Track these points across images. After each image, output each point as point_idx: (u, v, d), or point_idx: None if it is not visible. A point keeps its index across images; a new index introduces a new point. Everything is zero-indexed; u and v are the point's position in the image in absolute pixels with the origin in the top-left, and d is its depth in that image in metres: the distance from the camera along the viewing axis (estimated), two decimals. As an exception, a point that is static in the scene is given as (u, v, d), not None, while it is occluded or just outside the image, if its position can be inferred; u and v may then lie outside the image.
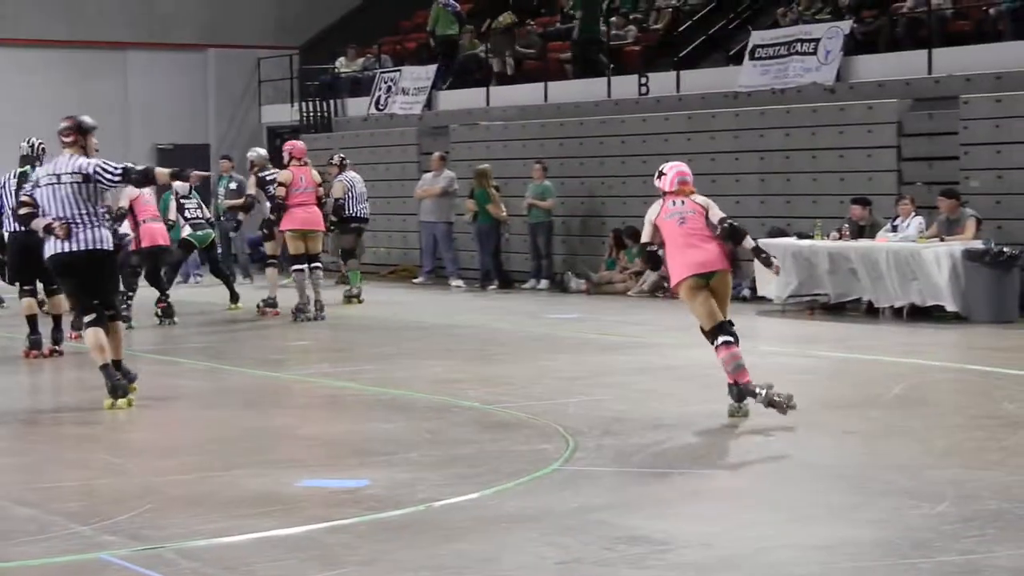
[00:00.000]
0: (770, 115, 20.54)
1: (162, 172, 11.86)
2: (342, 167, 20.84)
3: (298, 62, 30.47)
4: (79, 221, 11.26)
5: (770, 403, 10.21)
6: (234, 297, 19.54)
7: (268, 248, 19.41)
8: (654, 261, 11.16)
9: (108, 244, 11.44)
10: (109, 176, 11.31)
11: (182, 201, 19.15)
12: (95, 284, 11.41)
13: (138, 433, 10.68)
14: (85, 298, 11.47)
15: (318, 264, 18.13)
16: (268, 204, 19.14)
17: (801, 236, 18.42)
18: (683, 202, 10.68)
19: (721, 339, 10.38)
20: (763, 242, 17.87)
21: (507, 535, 7.21)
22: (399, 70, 27.52)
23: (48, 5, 29.70)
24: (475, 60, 26.57)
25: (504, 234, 22.72)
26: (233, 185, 24.24)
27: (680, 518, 7.56)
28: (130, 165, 11.62)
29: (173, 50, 30.96)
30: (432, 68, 26.78)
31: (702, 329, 10.59)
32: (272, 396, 12.46)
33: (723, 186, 20.31)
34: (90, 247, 11.28)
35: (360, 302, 20.11)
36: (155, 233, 17.00)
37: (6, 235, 14.98)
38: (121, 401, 11.17)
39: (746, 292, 19.03)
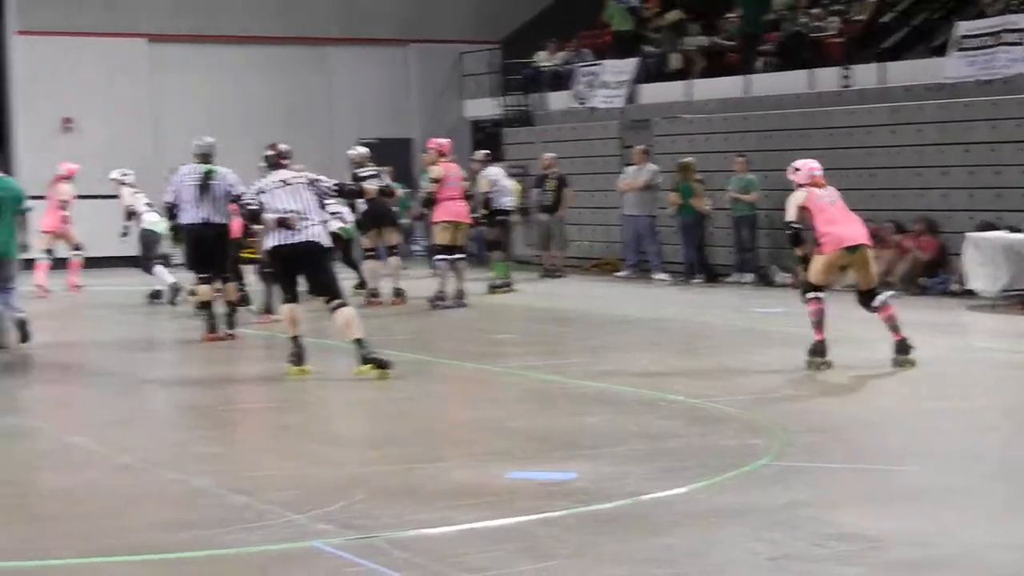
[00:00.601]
0: (976, 107, 20.10)
1: (370, 189, 14.77)
2: (485, 163, 21.38)
3: (499, 56, 30.62)
4: (306, 217, 12.73)
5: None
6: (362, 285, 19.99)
7: (365, 242, 19.55)
8: (797, 239, 12.94)
9: (324, 240, 12.89)
10: (327, 187, 13.14)
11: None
12: (310, 273, 12.83)
13: (347, 424, 10.84)
14: (291, 285, 12.96)
15: (463, 255, 18.95)
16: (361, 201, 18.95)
17: (1013, 230, 18.01)
18: (825, 189, 12.82)
19: (815, 295, 12.60)
20: (974, 236, 17.58)
21: (716, 530, 7.16)
22: (600, 63, 27.51)
23: (254, 3, 30.25)
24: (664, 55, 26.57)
25: (708, 227, 22.61)
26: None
27: (891, 515, 7.43)
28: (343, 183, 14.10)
29: (376, 45, 31.31)
30: (632, 62, 26.73)
31: (807, 283, 12.74)
32: (479, 388, 12.54)
33: (929, 179, 19.95)
34: (309, 240, 12.68)
35: (511, 291, 20.81)
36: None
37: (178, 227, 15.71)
38: (365, 367, 12.42)
39: (955, 286, 18.67)
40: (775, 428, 9.74)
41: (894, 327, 12.54)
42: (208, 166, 15.39)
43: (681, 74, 25.77)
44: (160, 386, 12.94)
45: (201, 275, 15.46)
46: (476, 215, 19.97)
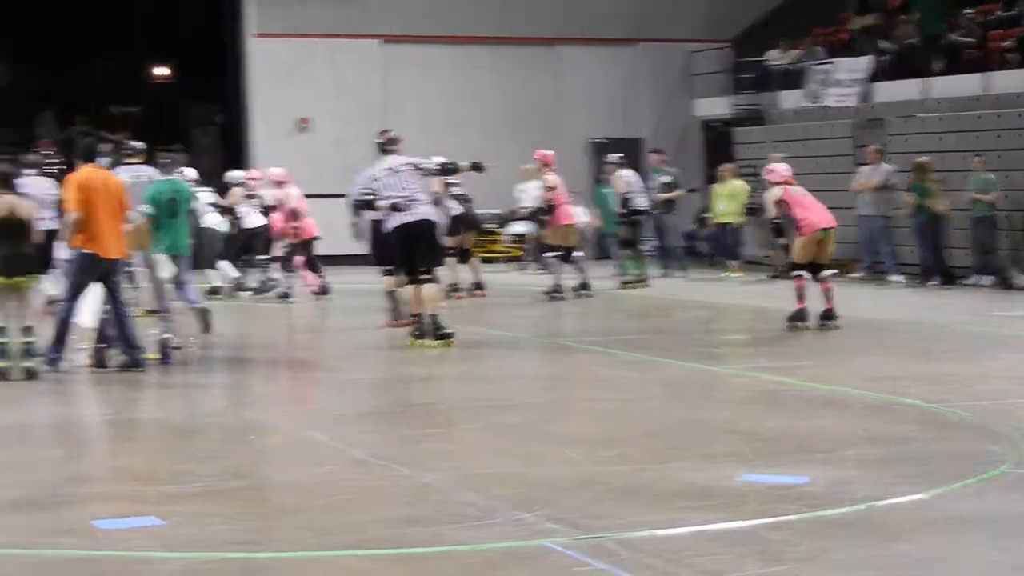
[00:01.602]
0: None
1: (463, 166, 15.80)
2: (620, 165, 22.14)
3: (730, 55, 30.38)
4: (415, 198, 14.43)
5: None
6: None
7: (449, 241, 19.74)
8: (780, 231, 16.38)
9: (435, 217, 14.84)
10: (430, 167, 14.95)
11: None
12: (423, 249, 14.49)
13: (571, 423, 10.80)
14: (409, 261, 14.60)
15: (580, 252, 20.67)
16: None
17: None
18: (795, 185, 15.83)
19: (799, 273, 15.52)
20: None
21: (954, 538, 6.97)
22: (832, 62, 27.09)
23: (484, 4, 30.47)
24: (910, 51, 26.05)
25: (945, 229, 22.10)
26: (667, 179, 24.50)
27: None
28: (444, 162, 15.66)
29: (605, 45, 31.31)
30: (866, 59, 26.27)
31: (794, 263, 15.73)
32: (705, 389, 12.42)
33: None
34: (423, 218, 14.48)
35: (645, 287, 21.68)
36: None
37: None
38: (436, 343, 14.35)
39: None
40: (1014, 434, 9.46)
41: (829, 297, 15.56)
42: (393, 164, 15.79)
43: (916, 72, 25.25)
44: (383, 382, 13.08)
45: (387, 267, 16.38)
46: (624, 212, 21.64)
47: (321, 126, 28.85)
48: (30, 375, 12.45)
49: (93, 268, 12.73)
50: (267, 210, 20.99)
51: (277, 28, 28.83)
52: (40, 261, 12.65)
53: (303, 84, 28.89)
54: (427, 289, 14.52)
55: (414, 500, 7.97)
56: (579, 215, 21.75)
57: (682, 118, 31.08)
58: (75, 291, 12.79)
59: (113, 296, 12.93)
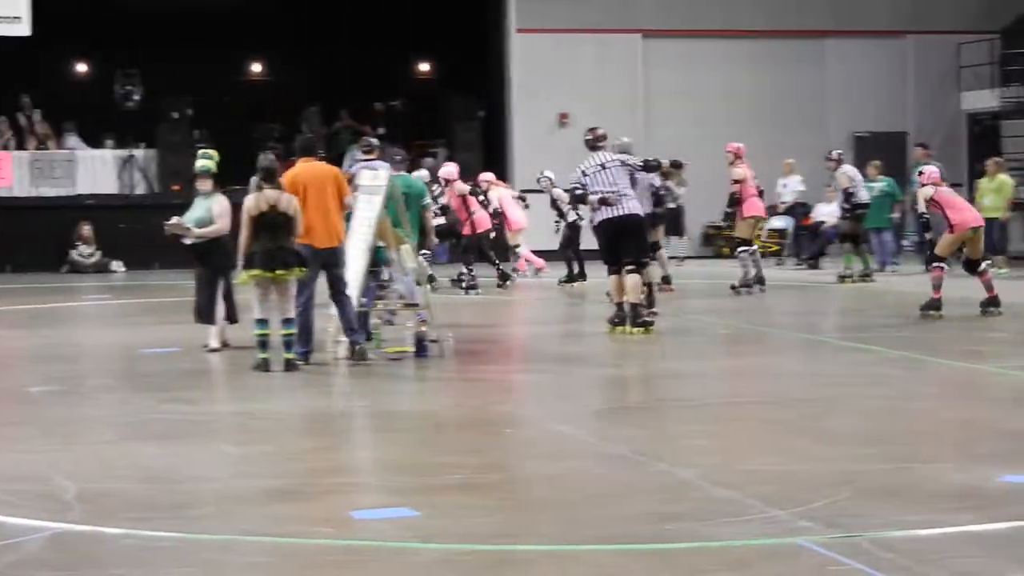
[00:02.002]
0: None
1: (664, 163, 17.37)
2: (839, 161, 22.03)
3: (999, 46, 29.57)
4: (623, 194, 15.14)
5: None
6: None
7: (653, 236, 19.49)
8: (928, 226, 18.31)
9: (640, 211, 15.44)
10: (635, 164, 15.61)
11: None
12: (629, 242, 15.19)
13: (836, 421, 10.62)
14: (614, 253, 15.26)
15: (755, 247, 20.95)
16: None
17: None
18: (945, 186, 17.32)
19: (939, 264, 16.59)
20: None
21: None
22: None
23: (749, -4, 30.27)
24: None
25: None
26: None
27: None
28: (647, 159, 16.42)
29: (871, 37, 30.76)
30: None
31: (937, 254, 16.83)
32: (971, 388, 12.11)
33: None
34: (630, 213, 15.15)
35: (870, 281, 21.76)
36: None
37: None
38: (635, 330, 15.05)
39: None
40: None
41: (989, 287, 16.64)
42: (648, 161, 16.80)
43: None
44: (636, 377, 13.05)
45: (612, 266, 15.78)
46: (847, 207, 21.75)
47: (581, 121, 28.83)
48: (289, 367, 12.74)
49: (313, 260, 13.01)
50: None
51: (539, 23, 29.02)
52: (299, 255, 12.90)
53: (563, 79, 29.01)
54: (630, 279, 15.12)
55: (670, 495, 7.92)
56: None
57: (948, 111, 30.38)
58: (302, 285, 13.10)
59: (334, 286, 13.23)
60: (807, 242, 26.67)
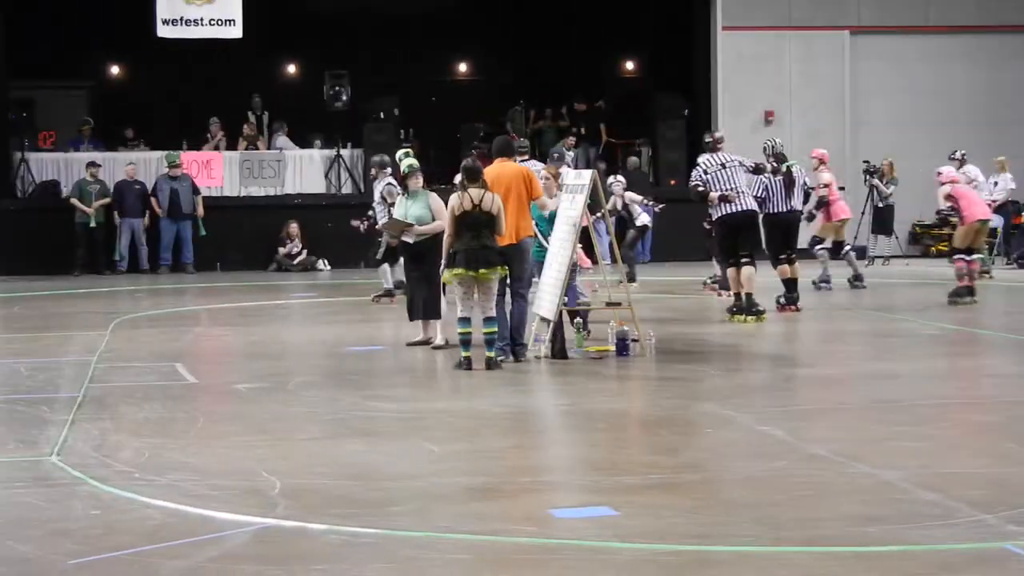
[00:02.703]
0: None
1: (764, 167, 17.64)
2: (963, 161, 22.58)
3: None
4: (741, 191, 16.48)
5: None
6: None
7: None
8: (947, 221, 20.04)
9: (757, 209, 16.88)
10: (748, 166, 16.85)
11: None
12: (746, 236, 16.67)
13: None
14: (735, 251, 16.61)
15: (848, 246, 21.46)
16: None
17: None
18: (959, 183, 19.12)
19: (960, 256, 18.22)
20: None
21: None
22: None
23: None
24: None
25: None
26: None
27: None
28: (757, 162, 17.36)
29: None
30: None
31: (954, 248, 18.68)
32: None
33: None
34: (747, 209, 16.58)
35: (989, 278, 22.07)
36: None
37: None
38: (750, 318, 16.40)
39: None
40: None
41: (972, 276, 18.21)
42: (789, 162, 18.00)
43: None
44: (846, 378, 12.85)
45: (779, 256, 17.73)
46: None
47: (786, 119, 28.66)
48: (491, 365, 12.82)
49: None
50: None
51: (744, 21, 28.79)
52: (502, 254, 12.98)
53: (769, 76, 28.76)
54: (746, 271, 16.46)
55: (873, 497, 7.80)
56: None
57: None
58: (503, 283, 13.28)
59: (512, 285, 13.37)
60: (1017, 241, 26.05)
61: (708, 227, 18.72)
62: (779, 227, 17.97)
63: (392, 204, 18.47)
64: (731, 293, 17.25)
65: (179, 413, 10.95)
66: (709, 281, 20.78)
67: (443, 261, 13.13)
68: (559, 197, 14.40)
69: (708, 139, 17.37)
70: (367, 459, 9.09)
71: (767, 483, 8.27)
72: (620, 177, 22.35)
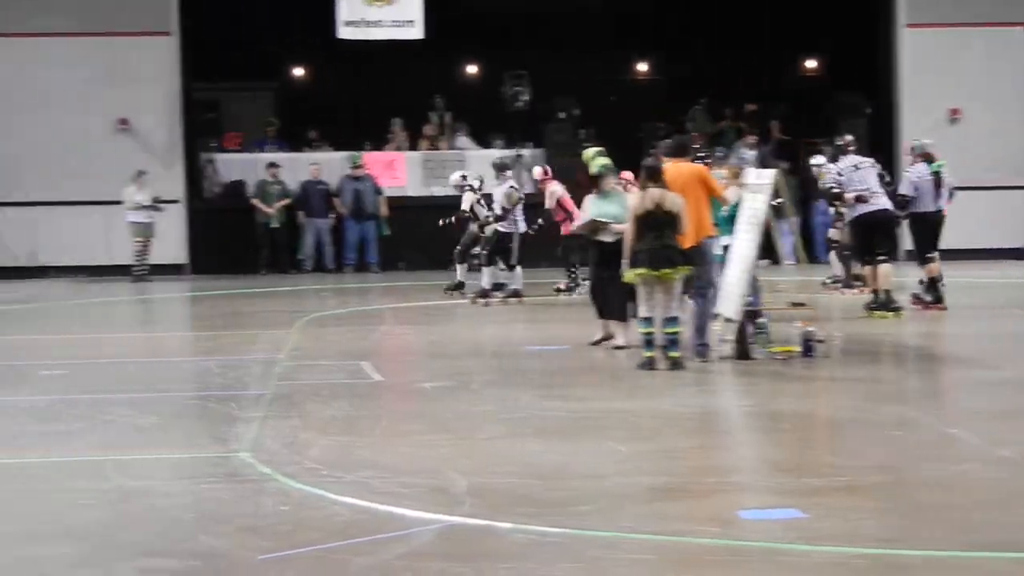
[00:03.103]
0: None
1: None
2: None
3: None
4: (875, 191, 16.85)
5: None
6: None
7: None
8: None
9: (891, 208, 17.06)
10: (879, 168, 17.48)
11: None
12: (881, 235, 16.92)
13: None
14: (870, 249, 16.90)
15: None
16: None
17: None
18: None
19: None
20: None
21: None
22: None
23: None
24: None
25: None
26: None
27: None
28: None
29: None
30: None
31: None
32: None
33: None
34: (882, 208, 16.87)
35: None
36: None
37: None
38: (888, 314, 16.55)
39: None
40: None
41: None
42: (937, 163, 17.94)
43: None
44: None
45: (927, 255, 17.75)
46: None
47: (972, 117, 28.12)
48: (675, 365, 12.77)
49: None
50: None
51: (928, 18, 28.30)
52: (684, 254, 12.94)
53: (954, 74, 28.24)
54: (882, 268, 16.69)
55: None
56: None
57: None
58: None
59: (694, 284, 13.36)
60: None
61: (838, 228, 19.08)
62: (927, 226, 17.98)
63: (515, 206, 18.77)
64: (865, 290, 17.72)
65: (365, 411, 11.09)
66: (829, 281, 20.39)
67: (625, 261, 13.10)
68: (738, 191, 14.31)
69: (840, 142, 17.98)
70: (551, 458, 9.11)
71: (956, 486, 8.14)
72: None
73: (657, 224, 12.80)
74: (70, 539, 7.24)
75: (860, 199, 16.85)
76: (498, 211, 19.51)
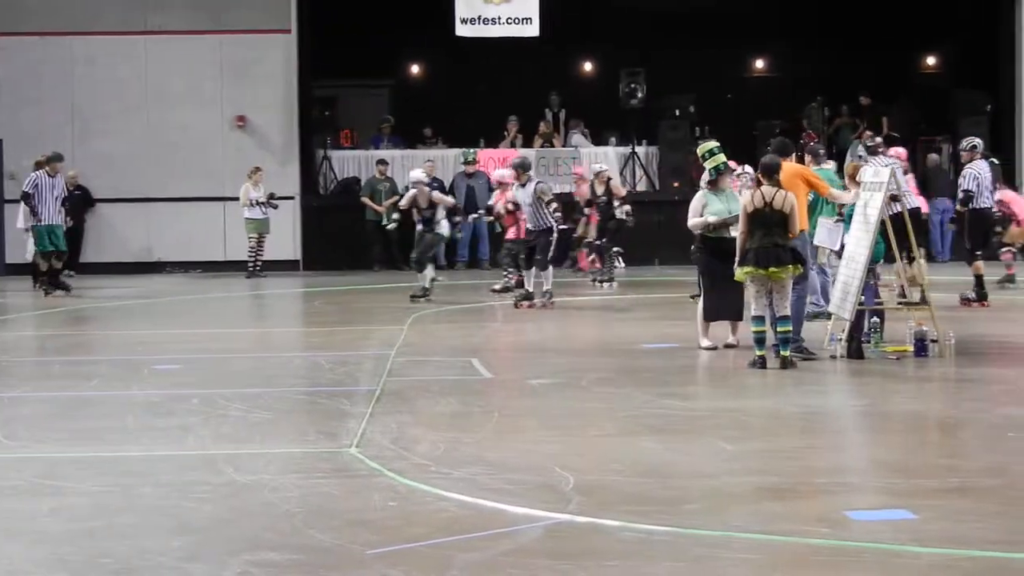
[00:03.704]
0: None
1: None
2: None
3: None
4: (905, 190, 16.17)
5: None
6: None
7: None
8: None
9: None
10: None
11: None
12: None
13: None
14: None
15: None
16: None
17: None
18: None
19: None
20: None
21: None
22: None
23: None
24: None
25: None
26: None
27: None
28: None
29: None
30: None
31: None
32: None
33: None
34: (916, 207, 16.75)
35: None
36: None
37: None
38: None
39: None
40: None
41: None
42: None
43: None
44: None
45: (976, 252, 18.00)
46: None
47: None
48: (785, 364, 12.68)
49: None
50: None
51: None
52: (795, 252, 12.85)
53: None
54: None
55: None
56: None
57: None
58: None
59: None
60: None
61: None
62: (984, 222, 18.35)
63: (549, 202, 18.65)
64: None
65: (475, 408, 11.12)
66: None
67: (736, 259, 13.02)
68: (853, 191, 14.18)
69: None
70: (660, 456, 9.09)
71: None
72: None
73: (767, 222, 12.72)
74: (182, 532, 7.33)
75: (894, 198, 16.10)
76: (554, 211, 19.25)
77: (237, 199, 25.92)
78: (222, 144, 27.04)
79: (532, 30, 26.32)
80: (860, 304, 13.33)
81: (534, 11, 26.19)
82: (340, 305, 20.33)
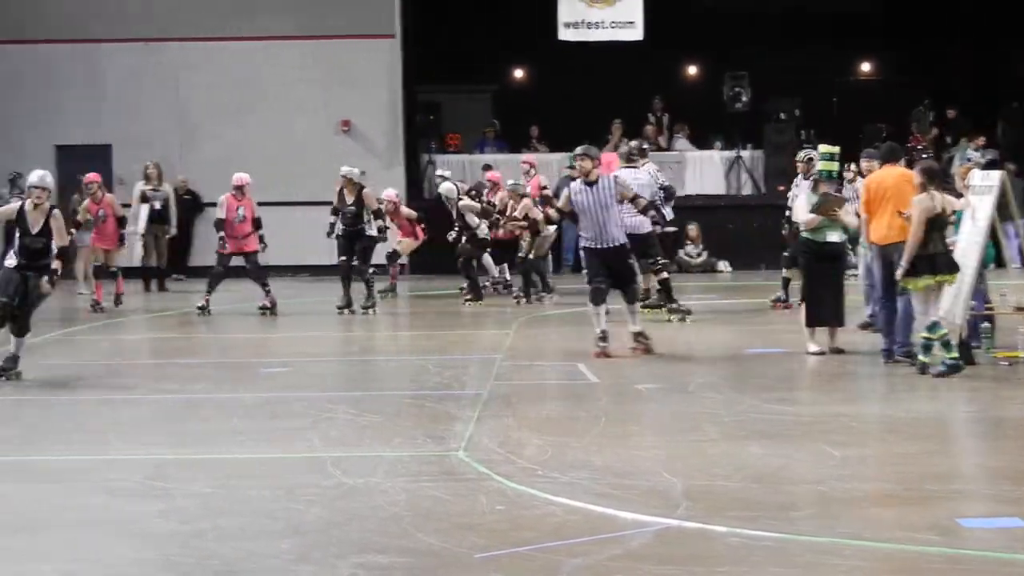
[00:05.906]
0: None
1: None
2: None
3: None
4: None
5: None
6: None
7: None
8: None
9: None
10: None
11: None
12: None
13: None
14: None
15: None
16: None
17: None
18: None
19: None
20: None
21: None
22: None
23: None
24: None
25: None
26: None
27: None
28: None
29: None
30: None
31: None
32: None
33: None
34: None
35: None
36: None
37: None
38: None
39: None
40: None
41: None
42: None
43: None
44: None
45: None
46: None
47: None
48: (924, 370, 12.56)
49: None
50: None
51: None
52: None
53: None
54: None
55: None
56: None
57: None
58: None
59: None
60: None
61: None
62: None
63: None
64: None
65: (581, 412, 11.11)
66: None
67: (903, 265, 12.78)
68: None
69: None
70: (767, 462, 9.04)
71: None
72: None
73: (941, 227, 12.67)
74: (292, 534, 7.39)
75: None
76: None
77: (343, 203, 26.01)
78: (327, 149, 27.20)
79: (635, 33, 26.27)
80: (972, 309, 13.17)
81: (638, 15, 26.15)
82: (446, 308, 20.38)
